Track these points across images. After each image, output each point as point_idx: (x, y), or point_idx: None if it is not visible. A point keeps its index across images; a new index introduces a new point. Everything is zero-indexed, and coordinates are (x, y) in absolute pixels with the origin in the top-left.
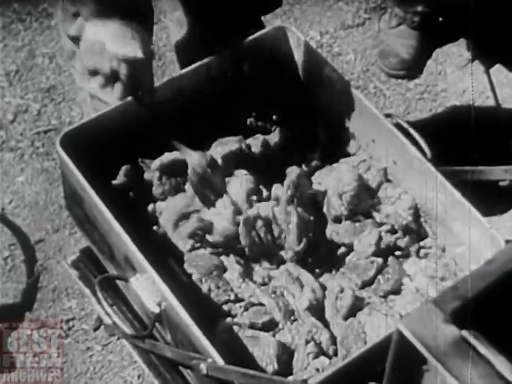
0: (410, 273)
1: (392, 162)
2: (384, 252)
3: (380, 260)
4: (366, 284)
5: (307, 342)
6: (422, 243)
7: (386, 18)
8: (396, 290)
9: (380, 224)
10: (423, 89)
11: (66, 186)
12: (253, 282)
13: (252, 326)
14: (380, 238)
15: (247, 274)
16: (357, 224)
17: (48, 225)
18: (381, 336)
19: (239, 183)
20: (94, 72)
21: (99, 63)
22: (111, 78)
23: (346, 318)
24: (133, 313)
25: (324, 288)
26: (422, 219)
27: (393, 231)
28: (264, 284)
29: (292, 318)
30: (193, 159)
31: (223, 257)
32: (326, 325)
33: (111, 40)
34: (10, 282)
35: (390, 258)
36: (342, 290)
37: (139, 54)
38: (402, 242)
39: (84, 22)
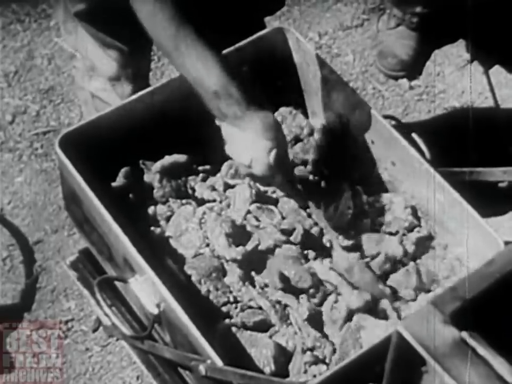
0: None
1: (391, 163)
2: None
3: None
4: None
5: (303, 351)
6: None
7: (385, 19)
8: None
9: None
10: (421, 90)
11: (65, 187)
12: (253, 287)
13: (244, 325)
14: (404, 247)
15: (247, 278)
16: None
17: (47, 226)
18: (379, 338)
19: (244, 190)
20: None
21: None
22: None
23: (342, 327)
24: (132, 314)
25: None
26: (422, 220)
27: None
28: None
29: (288, 321)
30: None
31: (223, 261)
32: (326, 335)
33: (229, 143)
34: (9, 283)
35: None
36: (336, 301)
37: (247, 162)
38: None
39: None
